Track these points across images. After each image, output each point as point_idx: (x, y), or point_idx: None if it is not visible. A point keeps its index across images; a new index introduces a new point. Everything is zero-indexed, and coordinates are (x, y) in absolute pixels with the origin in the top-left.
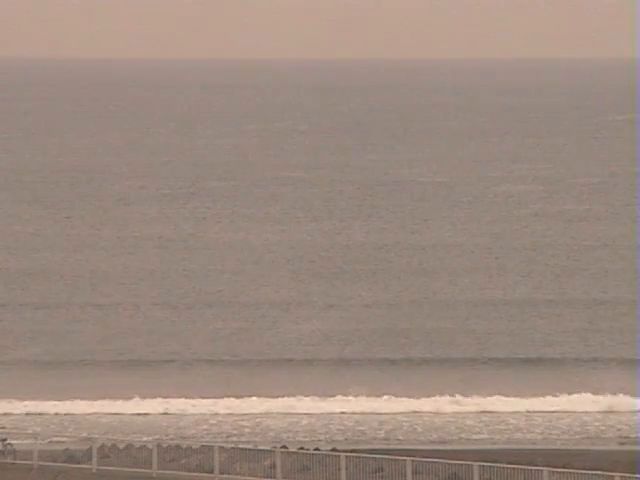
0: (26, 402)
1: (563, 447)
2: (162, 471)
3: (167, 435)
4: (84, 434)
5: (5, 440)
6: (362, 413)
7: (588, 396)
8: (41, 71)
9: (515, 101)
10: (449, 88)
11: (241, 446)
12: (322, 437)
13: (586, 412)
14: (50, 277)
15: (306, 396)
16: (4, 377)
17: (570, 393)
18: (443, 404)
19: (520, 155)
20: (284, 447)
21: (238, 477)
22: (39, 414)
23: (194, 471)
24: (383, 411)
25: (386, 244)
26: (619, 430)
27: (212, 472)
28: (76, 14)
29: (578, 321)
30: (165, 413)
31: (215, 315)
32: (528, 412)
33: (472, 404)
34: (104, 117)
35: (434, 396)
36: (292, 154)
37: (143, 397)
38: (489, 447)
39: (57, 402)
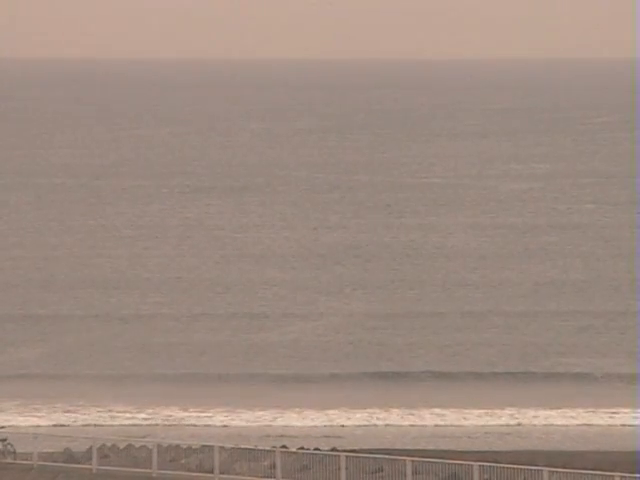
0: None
1: (563, 447)
2: (162, 471)
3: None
4: (84, 434)
5: (5, 440)
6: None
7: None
8: (45, 71)
9: (515, 101)
10: (449, 88)
11: (241, 446)
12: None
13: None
14: (57, 285)
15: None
16: (18, 388)
17: (575, 407)
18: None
19: (520, 155)
20: (284, 447)
21: (238, 477)
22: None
23: (194, 471)
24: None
25: (388, 249)
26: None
27: (212, 472)
28: (77, 14)
29: (582, 332)
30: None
31: (213, 324)
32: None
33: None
34: (105, 117)
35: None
36: (294, 153)
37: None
38: (489, 447)
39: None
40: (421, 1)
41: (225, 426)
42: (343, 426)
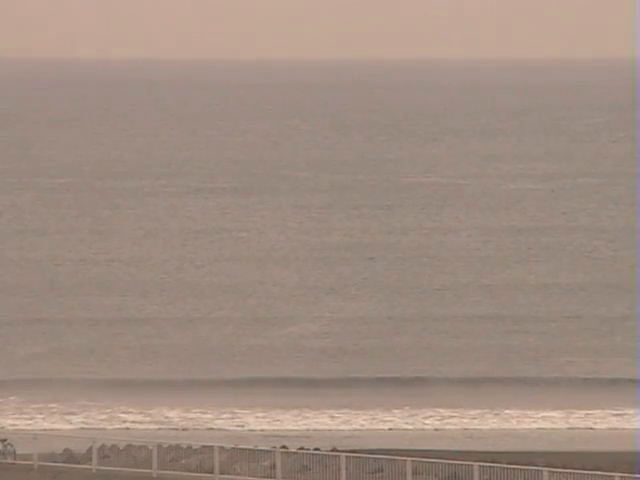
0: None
1: (563, 447)
2: (162, 471)
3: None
4: (84, 434)
5: (5, 440)
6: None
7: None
8: (45, 71)
9: (515, 101)
10: (449, 88)
11: (241, 446)
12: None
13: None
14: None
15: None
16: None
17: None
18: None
19: (520, 155)
20: (284, 447)
21: (238, 477)
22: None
23: (194, 471)
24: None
25: (391, 250)
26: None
27: (212, 472)
28: (77, 14)
29: (576, 339)
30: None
31: (215, 325)
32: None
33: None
34: (106, 117)
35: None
36: (295, 153)
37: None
38: (489, 447)
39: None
40: (421, 1)
41: (226, 429)
42: (331, 429)
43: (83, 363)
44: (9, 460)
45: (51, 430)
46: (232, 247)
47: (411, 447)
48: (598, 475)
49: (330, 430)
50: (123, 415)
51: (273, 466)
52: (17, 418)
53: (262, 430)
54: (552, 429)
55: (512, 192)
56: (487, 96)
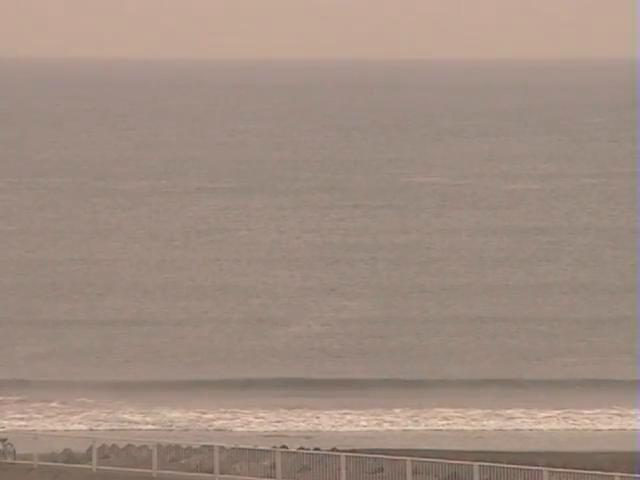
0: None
1: (563, 448)
2: (162, 471)
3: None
4: (84, 434)
5: (5, 440)
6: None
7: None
8: (45, 71)
9: (515, 101)
10: (449, 88)
11: (241, 446)
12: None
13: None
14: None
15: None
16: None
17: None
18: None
19: (520, 155)
20: (284, 447)
21: (238, 477)
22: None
23: (194, 471)
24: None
25: (391, 250)
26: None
27: (212, 472)
28: (77, 14)
29: (577, 340)
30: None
31: (215, 326)
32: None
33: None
34: (105, 117)
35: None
36: (295, 153)
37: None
38: (489, 447)
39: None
40: (421, 1)
41: (226, 429)
42: (331, 429)
43: (84, 363)
44: (9, 460)
45: (51, 430)
46: (232, 247)
47: (411, 447)
48: (598, 475)
49: (330, 430)
50: (123, 415)
51: (273, 466)
52: (17, 418)
53: (262, 430)
54: (553, 429)
55: (513, 192)
56: (487, 96)
